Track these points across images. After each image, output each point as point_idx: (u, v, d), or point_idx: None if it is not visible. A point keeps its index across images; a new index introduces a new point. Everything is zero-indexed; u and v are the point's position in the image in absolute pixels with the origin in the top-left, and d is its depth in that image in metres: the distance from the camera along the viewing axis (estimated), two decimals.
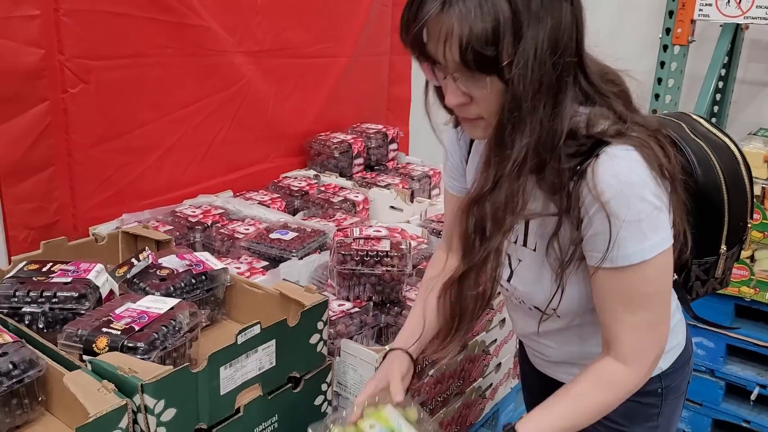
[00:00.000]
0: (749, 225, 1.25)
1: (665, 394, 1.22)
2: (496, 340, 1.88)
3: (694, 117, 1.27)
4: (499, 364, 1.94)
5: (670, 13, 2.25)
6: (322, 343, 1.36)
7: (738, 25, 2.84)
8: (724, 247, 1.22)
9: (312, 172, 2.53)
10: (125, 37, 1.93)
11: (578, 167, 0.97)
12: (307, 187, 2.38)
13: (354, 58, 2.68)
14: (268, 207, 2.19)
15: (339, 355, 1.47)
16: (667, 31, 2.28)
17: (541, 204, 1.02)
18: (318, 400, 1.40)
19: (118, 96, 1.95)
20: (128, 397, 1.05)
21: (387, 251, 1.63)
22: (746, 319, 2.43)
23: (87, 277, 1.38)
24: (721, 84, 3.04)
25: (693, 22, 2.22)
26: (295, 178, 2.47)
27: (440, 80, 0.99)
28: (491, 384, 1.91)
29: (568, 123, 0.95)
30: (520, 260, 1.17)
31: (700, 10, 2.20)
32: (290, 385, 1.32)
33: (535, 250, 1.12)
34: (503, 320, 1.88)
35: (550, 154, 0.96)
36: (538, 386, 1.38)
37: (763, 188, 2.23)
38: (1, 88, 1.70)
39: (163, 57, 2.04)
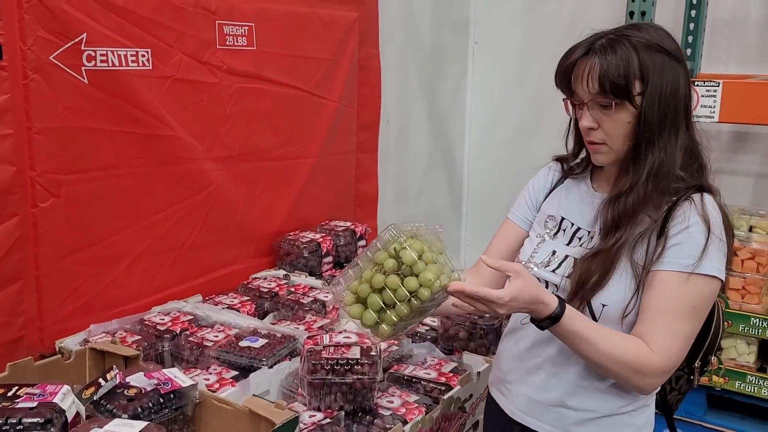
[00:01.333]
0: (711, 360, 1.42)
1: None
2: (471, 395, 1.86)
3: None
4: (477, 423, 1.92)
5: None
6: None
7: None
8: (698, 363, 1.40)
9: (282, 272, 2.55)
10: (97, 151, 1.98)
11: (681, 200, 1.25)
12: (277, 288, 2.39)
13: (321, 158, 2.76)
14: (238, 311, 2.20)
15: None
16: None
17: (651, 219, 1.26)
18: None
19: (89, 207, 1.98)
20: None
21: (357, 358, 1.64)
22: (719, 409, 2.46)
23: (53, 400, 1.37)
24: None
25: None
26: (265, 278, 2.49)
27: (576, 113, 1.31)
28: None
29: (680, 157, 1.24)
30: (575, 258, 1.33)
31: None
32: None
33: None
34: (478, 373, 1.89)
35: (666, 174, 1.24)
36: None
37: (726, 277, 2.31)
38: None
39: (133, 167, 2.08)
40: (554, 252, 1.39)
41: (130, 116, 2.03)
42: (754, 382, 2.33)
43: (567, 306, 1.20)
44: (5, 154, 1.77)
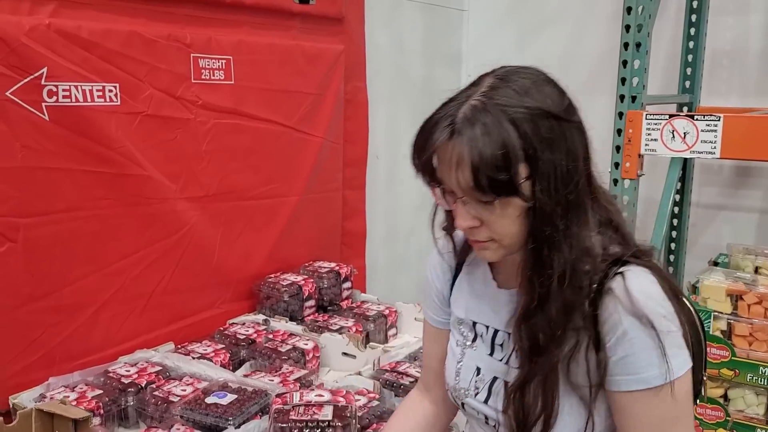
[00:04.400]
0: (705, 378, 1.20)
1: None
2: None
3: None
4: None
5: (617, 148, 2.27)
6: None
7: None
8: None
9: (261, 317, 2.42)
10: (58, 192, 1.86)
11: (605, 292, 0.98)
12: (255, 335, 2.25)
13: (305, 196, 2.64)
14: (211, 360, 2.06)
15: None
16: (616, 165, 2.29)
17: (578, 325, 1.00)
18: None
19: (49, 252, 1.86)
20: None
21: (329, 420, 1.50)
22: None
23: None
24: (677, 209, 3.06)
25: (640, 156, 2.24)
26: (243, 324, 2.35)
27: (450, 204, 1.03)
28: None
29: (596, 241, 0.99)
30: (506, 381, 1.11)
31: (647, 145, 2.22)
32: None
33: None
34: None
35: (583, 269, 0.98)
36: None
37: (729, 323, 2.17)
38: None
39: (99, 209, 1.96)
40: (478, 370, 1.16)
41: (95, 155, 1.92)
42: None
43: None
44: None
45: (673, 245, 3.09)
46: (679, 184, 2.99)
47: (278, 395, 1.59)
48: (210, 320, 2.35)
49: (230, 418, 1.66)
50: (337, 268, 2.63)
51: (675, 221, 3.09)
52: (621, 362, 0.98)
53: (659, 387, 0.97)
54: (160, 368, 1.97)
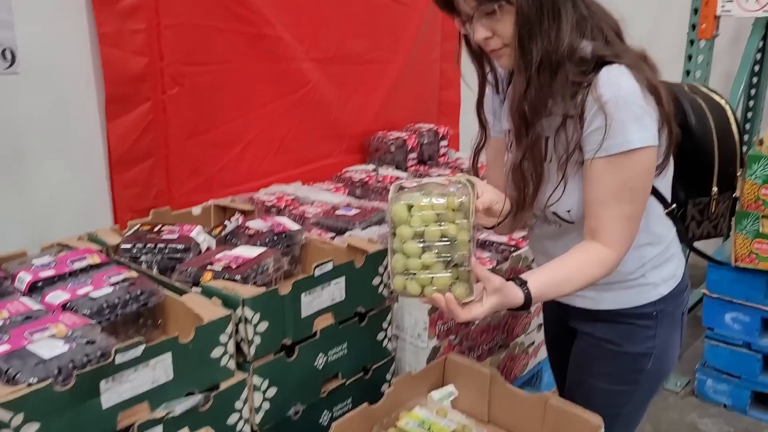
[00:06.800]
0: (738, 174, 1.47)
1: (660, 318, 1.42)
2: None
3: (698, 84, 1.51)
4: (542, 324, 2.16)
5: (695, 11, 2.46)
6: (382, 285, 1.62)
7: None
8: (715, 188, 1.45)
9: (371, 166, 2.82)
10: (213, 46, 2.26)
11: (586, 82, 1.23)
12: (367, 178, 2.65)
13: (407, 64, 2.97)
14: (333, 193, 2.48)
15: (397, 302, 1.73)
16: (693, 27, 2.48)
17: (561, 109, 1.26)
18: (380, 336, 1.66)
19: (207, 96, 2.28)
20: (232, 310, 1.33)
21: None
22: None
23: (190, 235, 1.69)
24: (755, 80, 3.20)
25: (716, 17, 2.42)
26: (356, 171, 2.76)
27: (470, 30, 1.27)
28: (534, 342, 2.13)
29: (569, 35, 1.21)
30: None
31: (723, 6, 2.40)
32: (357, 318, 1.59)
33: (550, 161, 1.33)
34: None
35: (559, 59, 1.21)
36: (559, 336, 1.62)
37: None
38: (113, 90, 2.04)
39: (243, 63, 2.36)
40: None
41: (240, 16, 2.30)
42: None
43: (530, 287, 1.22)
44: (139, 46, 2.07)
45: (749, 114, 3.25)
46: (759, 56, 3.11)
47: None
48: (329, 167, 2.77)
49: (357, 223, 2.08)
50: (436, 128, 2.99)
51: (752, 91, 3.22)
52: (589, 136, 1.23)
53: (615, 155, 1.20)
54: (294, 197, 2.41)
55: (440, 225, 1.14)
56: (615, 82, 1.20)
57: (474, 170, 1.48)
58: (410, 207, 1.15)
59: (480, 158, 1.47)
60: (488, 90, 1.45)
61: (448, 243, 1.14)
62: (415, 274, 1.15)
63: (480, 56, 1.35)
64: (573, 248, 1.31)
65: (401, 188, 1.19)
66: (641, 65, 1.24)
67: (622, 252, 1.28)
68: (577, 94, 1.23)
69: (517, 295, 1.21)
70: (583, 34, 1.24)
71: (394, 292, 1.23)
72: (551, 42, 1.20)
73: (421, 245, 1.14)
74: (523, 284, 1.22)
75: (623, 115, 1.19)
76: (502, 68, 1.37)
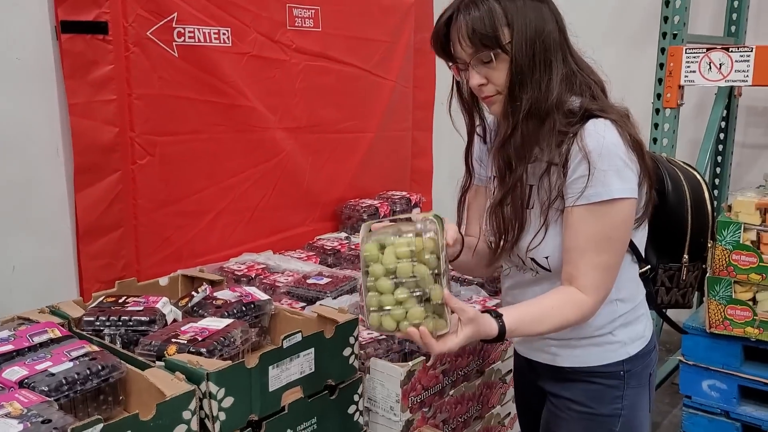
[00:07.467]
0: (709, 245, 1.50)
1: (627, 378, 1.40)
2: (511, 370, 2.06)
3: (673, 158, 1.58)
4: None
5: (659, 81, 2.54)
6: (353, 356, 1.59)
7: (731, 91, 3.12)
8: (686, 257, 1.46)
9: (343, 234, 2.81)
10: (185, 117, 2.28)
11: (572, 132, 1.27)
12: (339, 247, 2.64)
13: (380, 133, 3.01)
14: (305, 261, 2.46)
15: (369, 373, 1.68)
16: (658, 96, 2.56)
17: (547, 156, 1.30)
18: (351, 410, 1.61)
19: (178, 166, 2.28)
20: (196, 385, 1.29)
21: None
22: (756, 360, 2.56)
23: (155, 306, 1.65)
24: (720, 147, 3.29)
25: (681, 87, 2.51)
26: (329, 239, 2.74)
27: (466, 76, 1.33)
28: (510, 413, 2.08)
29: (558, 87, 1.27)
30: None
31: (686, 76, 2.49)
32: (327, 391, 1.55)
33: (533, 208, 1.36)
34: None
35: (548, 108, 1.27)
36: (529, 401, 1.60)
37: (758, 233, 2.42)
38: (82, 161, 2.03)
39: (216, 133, 2.38)
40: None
41: (213, 87, 2.33)
42: None
43: (505, 320, 1.24)
44: (110, 116, 2.08)
45: (717, 181, 3.32)
46: (724, 124, 3.21)
47: None
48: (301, 235, 2.76)
49: (328, 292, 2.05)
50: (408, 195, 3.00)
51: (719, 158, 3.31)
52: (572, 184, 1.27)
53: (596, 204, 1.24)
54: (265, 266, 2.38)
55: (412, 261, 1.15)
56: (600, 134, 1.25)
57: (459, 209, 1.52)
58: (382, 245, 1.17)
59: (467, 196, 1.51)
60: (476, 139, 1.50)
61: (420, 278, 1.15)
62: (389, 310, 1.16)
63: (470, 106, 1.41)
64: (550, 291, 1.32)
65: (371, 229, 1.22)
66: (625, 121, 1.30)
67: (599, 300, 1.30)
68: (563, 143, 1.27)
69: (491, 326, 1.22)
70: (571, 88, 1.30)
71: (371, 329, 1.23)
72: (541, 92, 1.26)
73: (394, 281, 1.16)
74: (498, 317, 1.23)
75: (606, 166, 1.24)
76: (493, 115, 1.41)
